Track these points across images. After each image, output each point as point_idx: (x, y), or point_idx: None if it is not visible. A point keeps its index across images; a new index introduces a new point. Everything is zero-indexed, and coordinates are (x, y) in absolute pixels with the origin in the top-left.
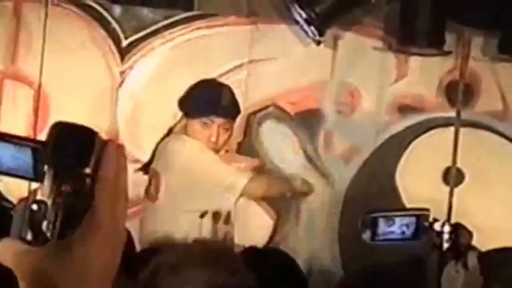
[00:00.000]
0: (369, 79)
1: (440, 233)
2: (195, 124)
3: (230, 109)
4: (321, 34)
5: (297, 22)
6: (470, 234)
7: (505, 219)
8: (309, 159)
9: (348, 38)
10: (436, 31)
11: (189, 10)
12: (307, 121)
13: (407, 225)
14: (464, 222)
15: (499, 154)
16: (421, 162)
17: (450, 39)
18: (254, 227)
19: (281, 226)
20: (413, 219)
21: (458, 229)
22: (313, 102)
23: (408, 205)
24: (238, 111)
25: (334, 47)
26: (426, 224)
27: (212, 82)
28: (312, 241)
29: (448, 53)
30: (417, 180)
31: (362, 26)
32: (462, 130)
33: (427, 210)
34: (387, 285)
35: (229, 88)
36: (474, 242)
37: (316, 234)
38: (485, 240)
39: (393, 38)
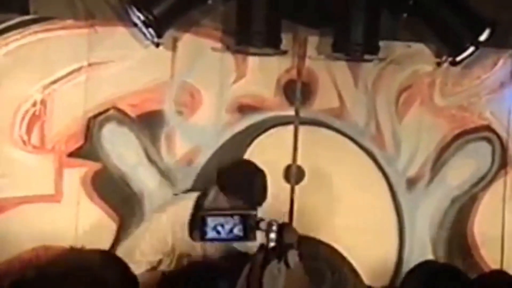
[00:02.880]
0: (209, 80)
1: (267, 233)
2: (223, 200)
3: (257, 203)
4: (159, 36)
5: (135, 25)
6: (295, 233)
7: (344, 214)
8: (152, 160)
9: (187, 40)
10: (272, 31)
11: (25, 14)
12: (148, 123)
13: (235, 225)
14: (305, 218)
15: (338, 150)
16: (262, 161)
17: (286, 39)
18: (97, 231)
19: (124, 229)
20: (241, 219)
21: (283, 229)
22: (153, 104)
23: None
24: (263, 201)
25: (173, 48)
26: (253, 223)
27: (251, 167)
28: (155, 242)
29: (284, 52)
30: None
31: (200, 27)
32: (301, 128)
33: (254, 209)
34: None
35: (264, 177)
36: (318, 238)
37: (160, 235)
38: (326, 236)
39: (231, 38)
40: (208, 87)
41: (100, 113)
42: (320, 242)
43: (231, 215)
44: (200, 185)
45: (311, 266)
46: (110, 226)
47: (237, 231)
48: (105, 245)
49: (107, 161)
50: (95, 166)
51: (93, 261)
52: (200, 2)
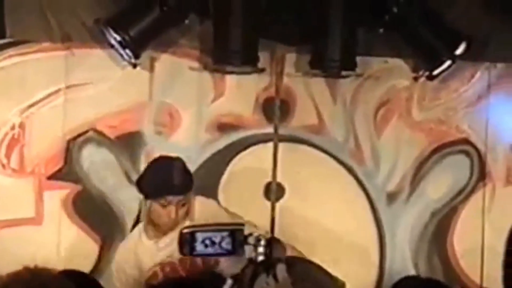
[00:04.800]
0: (188, 99)
1: (255, 247)
2: (155, 206)
3: (182, 186)
4: (136, 56)
5: (112, 46)
6: (284, 248)
7: (324, 230)
8: (132, 181)
9: (165, 60)
10: (249, 49)
11: (1, 37)
12: (127, 144)
13: (224, 240)
14: (287, 235)
15: (317, 166)
16: (243, 179)
17: (263, 57)
18: (79, 253)
19: (106, 250)
20: (229, 234)
21: (272, 244)
22: (132, 124)
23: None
24: (191, 184)
25: (151, 68)
26: (242, 238)
27: (162, 160)
28: None
29: (262, 70)
30: (239, 197)
31: (177, 47)
32: (281, 145)
33: (242, 224)
34: None
35: (181, 162)
36: (299, 253)
37: None
38: (306, 251)
39: (208, 57)
40: (187, 106)
41: (79, 135)
42: (309, 262)
43: (220, 230)
44: None
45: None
46: (92, 248)
47: (225, 245)
48: (87, 266)
49: (87, 182)
50: (75, 188)
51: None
52: (177, 21)
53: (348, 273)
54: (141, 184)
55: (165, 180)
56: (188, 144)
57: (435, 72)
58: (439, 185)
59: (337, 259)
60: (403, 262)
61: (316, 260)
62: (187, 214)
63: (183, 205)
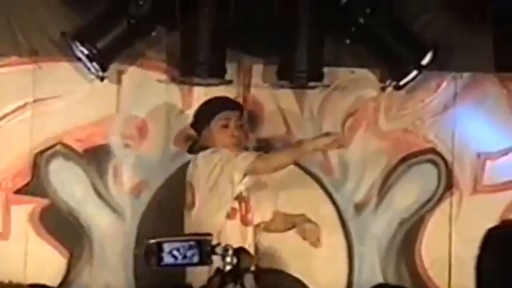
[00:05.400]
0: (155, 112)
1: (223, 257)
2: (216, 131)
3: (236, 104)
4: (104, 69)
5: (79, 59)
6: (251, 258)
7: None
8: (100, 194)
9: (132, 72)
10: (216, 61)
11: None
12: (95, 157)
13: (191, 250)
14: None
15: (285, 177)
16: None
17: (231, 68)
18: (47, 267)
19: (74, 264)
20: (197, 244)
21: (240, 253)
22: (100, 137)
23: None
24: (242, 107)
25: (118, 81)
26: (209, 248)
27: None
28: (106, 276)
29: (229, 82)
30: None
31: (145, 59)
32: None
33: (210, 235)
34: None
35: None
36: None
37: (110, 269)
38: (275, 262)
39: (176, 70)
40: (155, 119)
41: (46, 149)
42: (282, 273)
43: (187, 240)
44: (149, 218)
45: None
46: (59, 262)
47: (193, 255)
48: (55, 281)
49: (55, 196)
50: (42, 202)
51: None
52: (144, 34)
53: (317, 283)
54: (198, 119)
55: (221, 100)
56: (156, 156)
57: (402, 82)
58: (407, 194)
59: (305, 269)
60: (371, 272)
61: (285, 269)
62: (246, 137)
63: (240, 126)
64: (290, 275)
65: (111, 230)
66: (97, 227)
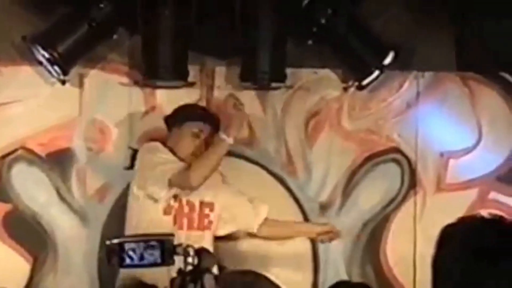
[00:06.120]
0: (118, 115)
1: (185, 258)
2: (185, 133)
3: (216, 120)
4: (65, 73)
5: (40, 63)
6: (213, 258)
7: (257, 242)
8: (63, 199)
9: (94, 75)
10: (178, 63)
11: None
12: (58, 161)
13: (153, 250)
14: (220, 247)
15: (249, 179)
16: None
17: (193, 70)
18: (10, 272)
19: (38, 268)
20: (158, 244)
21: (201, 253)
22: (63, 141)
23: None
24: (218, 126)
25: (80, 85)
26: (171, 248)
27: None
28: (70, 281)
29: (192, 84)
30: None
31: (107, 62)
32: None
33: (171, 235)
34: None
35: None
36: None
37: (74, 274)
38: (240, 263)
39: (138, 72)
40: (117, 122)
41: (8, 154)
42: (255, 274)
43: (149, 240)
44: (113, 222)
45: None
46: (23, 267)
47: (155, 256)
48: (19, 286)
49: (17, 201)
50: (5, 207)
51: None
52: (106, 37)
53: (282, 284)
54: (176, 114)
55: (205, 112)
56: (119, 159)
57: (365, 82)
58: (371, 194)
59: (270, 269)
60: (336, 272)
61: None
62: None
63: (207, 144)
64: (264, 276)
65: (75, 234)
66: (61, 232)
